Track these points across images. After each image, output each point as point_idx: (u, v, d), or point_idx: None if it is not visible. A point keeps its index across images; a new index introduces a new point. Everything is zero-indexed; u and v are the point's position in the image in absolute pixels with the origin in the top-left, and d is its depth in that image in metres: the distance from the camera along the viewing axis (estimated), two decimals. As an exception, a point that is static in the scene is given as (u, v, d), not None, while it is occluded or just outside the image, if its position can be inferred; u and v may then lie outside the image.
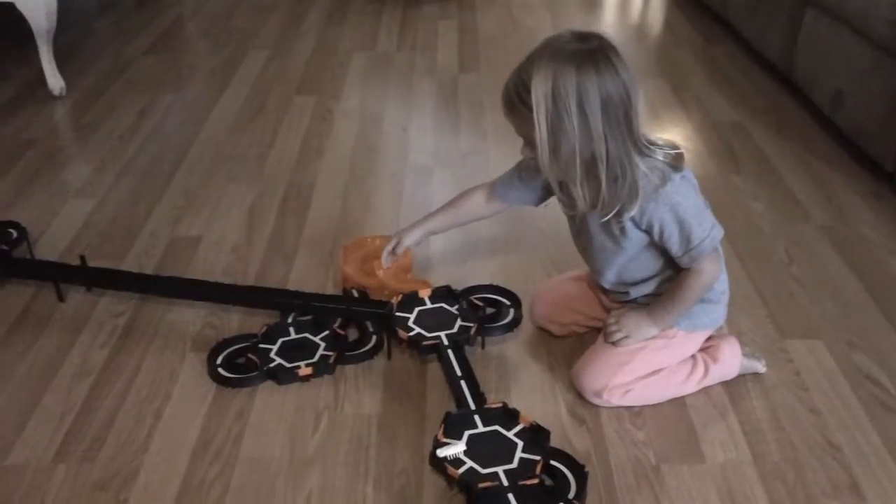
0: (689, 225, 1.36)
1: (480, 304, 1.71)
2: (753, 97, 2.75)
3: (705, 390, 1.54)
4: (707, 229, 1.38)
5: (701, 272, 1.41)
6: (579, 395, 1.52)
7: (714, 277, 1.44)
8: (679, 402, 1.52)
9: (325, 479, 1.37)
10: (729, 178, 2.26)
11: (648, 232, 1.40)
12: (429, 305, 1.68)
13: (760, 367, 1.58)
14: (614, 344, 1.48)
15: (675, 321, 1.48)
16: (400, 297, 1.68)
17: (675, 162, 1.37)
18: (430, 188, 2.23)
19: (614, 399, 1.49)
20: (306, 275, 1.88)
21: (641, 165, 1.34)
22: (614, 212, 1.36)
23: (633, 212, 1.36)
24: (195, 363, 1.61)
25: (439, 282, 1.76)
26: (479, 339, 1.63)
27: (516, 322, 1.67)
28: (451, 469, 1.32)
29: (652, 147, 1.37)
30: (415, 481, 1.37)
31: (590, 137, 1.29)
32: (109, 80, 2.91)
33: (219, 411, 1.51)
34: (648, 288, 1.50)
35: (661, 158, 1.36)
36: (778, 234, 1.99)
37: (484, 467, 1.32)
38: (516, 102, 1.33)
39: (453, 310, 1.67)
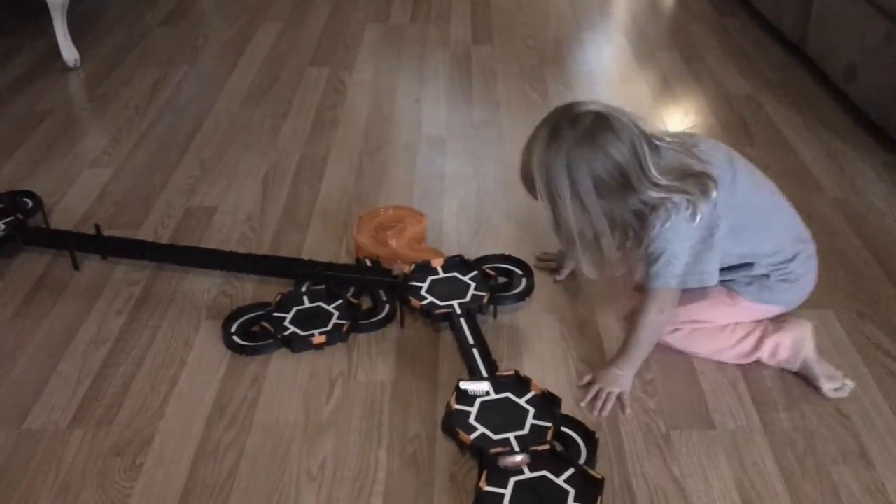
0: (670, 253, 1.40)
1: (493, 273, 1.72)
2: (766, 70, 2.74)
3: (716, 360, 1.55)
4: (678, 270, 1.41)
5: (648, 309, 1.44)
6: (588, 363, 1.53)
7: (666, 319, 1.46)
8: (690, 371, 1.53)
9: (339, 445, 1.39)
10: (742, 150, 2.21)
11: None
12: (441, 275, 1.69)
13: (827, 387, 1.48)
14: (592, 407, 1.45)
15: (634, 364, 1.48)
16: (413, 267, 1.69)
17: (693, 190, 1.38)
18: (443, 159, 2.23)
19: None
20: (320, 244, 1.89)
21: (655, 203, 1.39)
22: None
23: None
24: (210, 331, 1.63)
25: (453, 252, 1.77)
26: (492, 307, 1.64)
27: (528, 291, 1.68)
28: (462, 435, 1.33)
29: (668, 183, 1.38)
30: (427, 447, 1.38)
31: (588, 216, 1.37)
32: (124, 51, 2.92)
33: (233, 378, 1.53)
34: None
35: (674, 194, 1.38)
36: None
37: (496, 433, 1.34)
38: (528, 181, 1.45)
39: (466, 279, 1.68)
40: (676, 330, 1.53)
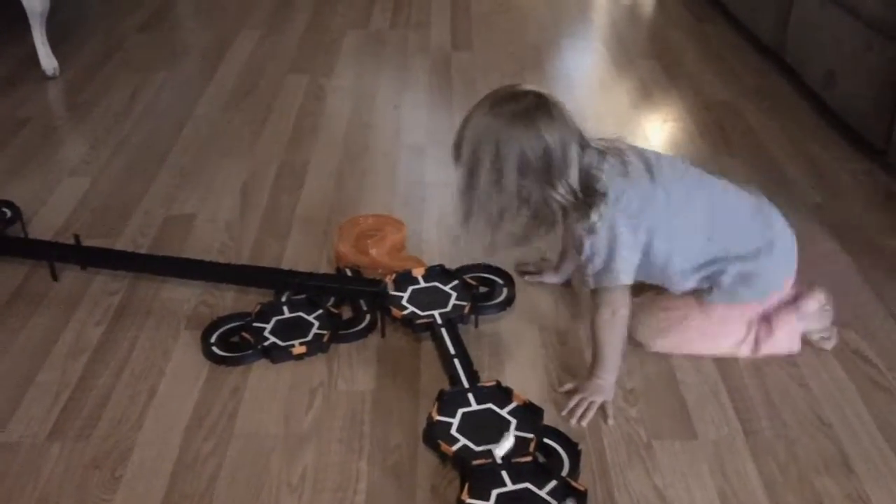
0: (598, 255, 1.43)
1: (474, 282, 1.72)
2: (745, 76, 2.75)
3: (697, 367, 1.55)
4: (599, 267, 1.43)
5: (600, 313, 1.46)
6: (571, 373, 1.54)
7: (621, 316, 1.46)
8: (671, 379, 1.53)
9: (320, 455, 1.38)
10: (720, 157, 2.26)
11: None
12: (422, 284, 1.69)
13: (829, 344, 1.60)
14: (572, 415, 1.45)
15: (610, 368, 1.48)
16: (394, 276, 1.69)
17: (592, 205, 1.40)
18: (423, 166, 2.23)
19: (662, 350, 1.57)
20: (300, 253, 1.88)
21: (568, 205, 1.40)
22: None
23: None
24: (189, 341, 1.62)
25: (433, 261, 1.77)
26: (473, 317, 1.64)
27: (509, 301, 1.68)
28: (444, 446, 1.33)
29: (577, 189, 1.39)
30: (409, 458, 1.38)
31: (502, 190, 1.37)
32: (103, 58, 2.89)
33: (213, 389, 1.52)
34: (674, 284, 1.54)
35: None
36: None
37: (477, 445, 1.33)
38: (456, 150, 1.44)
39: (447, 288, 1.68)
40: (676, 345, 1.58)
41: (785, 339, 1.58)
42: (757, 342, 1.57)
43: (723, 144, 2.34)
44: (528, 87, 1.41)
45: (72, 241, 1.82)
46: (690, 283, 1.53)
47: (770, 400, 1.49)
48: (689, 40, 3.06)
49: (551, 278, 1.76)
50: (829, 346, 1.59)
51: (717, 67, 2.82)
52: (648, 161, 1.46)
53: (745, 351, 1.57)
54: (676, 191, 1.47)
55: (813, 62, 2.47)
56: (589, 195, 1.38)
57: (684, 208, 1.47)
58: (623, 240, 1.42)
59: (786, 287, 1.58)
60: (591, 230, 1.40)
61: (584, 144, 1.39)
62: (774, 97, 2.60)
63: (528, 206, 1.40)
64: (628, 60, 2.90)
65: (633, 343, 1.56)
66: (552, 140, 1.35)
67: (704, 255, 1.49)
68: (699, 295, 1.54)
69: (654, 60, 2.88)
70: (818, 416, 1.46)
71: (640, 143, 2.32)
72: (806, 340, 1.60)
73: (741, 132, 2.40)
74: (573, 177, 1.37)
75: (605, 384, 1.47)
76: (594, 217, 1.39)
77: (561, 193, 1.37)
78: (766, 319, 1.58)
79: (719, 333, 1.57)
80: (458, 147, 1.43)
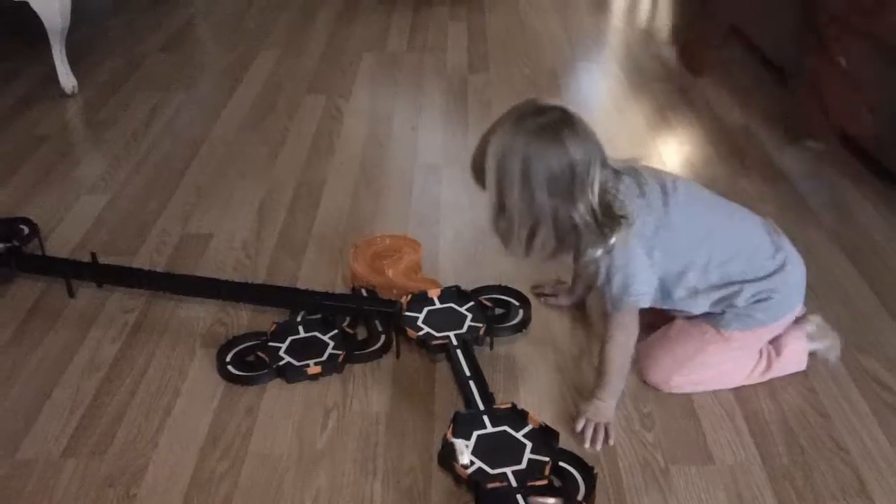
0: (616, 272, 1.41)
1: (489, 304, 1.71)
2: (761, 99, 2.75)
3: (713, 391, 1.54)
4: (617, 291, 1.41)
5: (613, 335, 1.46)
6: (586, 396, 1.53)
7: (622, 343, 1.46)
8: (687, 404, 1.52)
9: (334, 477, 1.38)
10: (737, 181, 2.26)
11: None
12: (438, 305, 1.69)
13: (833, 355, 1.61)
14: (583, 435, 1.45)
15: (615, 392, 1.48)
16: (409, 297, 1.69)
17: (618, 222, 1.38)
18: (439, 186, 2.24)
19: (678, 389, 1.54)
20: (316, 272, 1.88)
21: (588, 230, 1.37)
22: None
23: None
24: (205, 360, 1.62)
25: (448, 281, 1.77)
26: (488, 339, 1.63)
27: (525, 323, 1.67)
28: (459, 468, 1.32)
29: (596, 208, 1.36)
30: (423, 480, 1.37)
31: (532, 207, 1.34)
32: (122, 77, 2.92)
33: (228, 408, 1.51)
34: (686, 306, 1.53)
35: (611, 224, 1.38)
36: (787, 238, 1.98)
37: (493, 467, 1.33)
38: (477, 168, 1.40)
39: (462, 310, 1.67)
40: (693, 383, 1.55)
41: (794, 359, 1.57)
42: (768, 364, 1.56)
43: (739, 167, 2.33)
44: (553, 101, 1.38)
45: (88, 259, 1.83)
46: (704, 307, 1.51)
47: (787, 425, 1.48)
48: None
49: (566, 300, 1.76)
50: (833, 356, 1.60)
51: (733, 90, 2.82)
52: (664, 183, 1.46)
53: (756, 376, 1.56)
54: (691, 214, 1.46)
55: (829, 86, 2.47)
56: (608, 217, 1.37)
57: (698, 231, 1.47)
58: (639, 261, 1.41)
59: (797, 310, 1.57)
60: (608, 252, 1.39)
61: (604, 163, 1.37)
62: (791, 120, 2.59)
63: (555, 224, 1.36)
64: (644, 83, 2.90)
65: (648, 385, 1.55)
66: (577, 156, 1.32)
67: (718, 277, 1.48)
68: (714, 320, 1.53)
69: (670, 83, 2.89)
70: (836, 441, 1.45)
71: (657, 166, 2.34)
72: (812, 355, 1.60)
73: (758, 156, 2.40)
74: (594, 195, 1.35)
75: (608, 407, 1.46)
76: (612, 240, 1.37)
77: (581, 213, 1.35)
78: (773, 341, 1.57)
79: (736, 363, 1.55)
80: (478, 166, 1.40)
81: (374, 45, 3.24)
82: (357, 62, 3.07)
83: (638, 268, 1.41)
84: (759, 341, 1.55)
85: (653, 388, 1.55)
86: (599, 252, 1.38)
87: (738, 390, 1.55)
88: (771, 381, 1.56)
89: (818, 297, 1.79)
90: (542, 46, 3.24)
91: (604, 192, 1.37)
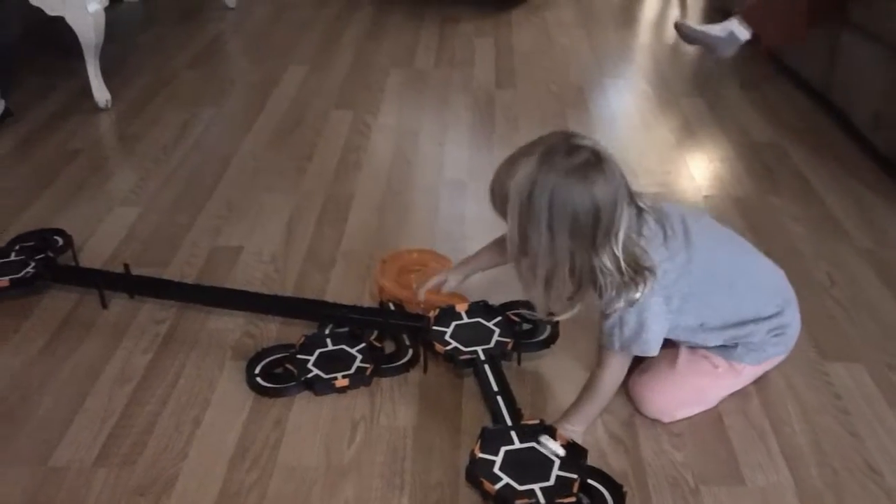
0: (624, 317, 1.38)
1: (517, 319, 1.71)
2: (791, 117, 2.74)
3: (744, 412, 1.53)
4: (629, 334, 1.39)
5: (601, 373, 1.44)
6: (615, 415, 1.52)
7: (617, 380, 1.45)
8: (718, 424, 1.51)
9: (361, 490, 1.38)
10: (767, 198, 2.25)
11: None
12: (465, 320, 1.69)
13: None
14: None
15: (587, 422, 1.46)
16: (437, 311, 1.69)
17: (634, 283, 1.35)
18: (464, 202, 2.24)
19: (678, 418, 1.52)
20: (343, 286, 1.89)
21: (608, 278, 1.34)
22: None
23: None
24: (234, 371, 1.63)
25: (473, 296, 1.77)
26: (516, 354, 1.63)
27: (553, 338, 1.67)
28: (487, 484, 1.32)
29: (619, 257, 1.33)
30: (450, 495, 1.37)
31: (553, 248, 1.31)
32: (153, 92, 2.96)
33: (256, 420, 1.52)
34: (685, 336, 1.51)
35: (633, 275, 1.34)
36: (818, 256, 1.97)
37: (521, 484, 1.32)
38: (497, 196, 1.36)
39: (490, 325, 1.68)
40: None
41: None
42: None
43: (769, 185, 2.32)
44: (584, 140, 1.33)
45: (121, 270, 1.85)
46: (717, 342, 1.50)
47: (819, 447, 1.46)
48: (733, 79, 3.05)
49: (456, 280, 1.72)
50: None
51: (762, 107, 2.81)
52: (687, 227, 1.42)
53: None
54: (712, 259, 1.43)
55: (859, 103, 2.46)
56: (633, 269, 1.33)
57: (718, 274, 1.44)
58: (655, 310, 1.38)
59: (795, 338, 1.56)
60: (630, 306, 1.36)
61: (630, 203, 1.34)
62: (821, 138, 2.58)
63: (573, 268, 1.34)
64: (672, 99, 2.90)
65: (651, 418, 1.53)
66: (603, 202, 1.28)
67: (736, 316, 1.47)
68: (726, 354, 1.50)
69: (699, 99, 2.88)
70: (868, 463, 1.43)
71: (686, 183, 2.34)
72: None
73: (788, 173, 2.39)
74: (618, 245, 1.31)
75: (576, 434, 1.43)
76: (638, 294, 1.34)
77: (602, 261, 1.31)
78: None
79: (731, 389, 1.55)
80: (498, 194, 1.36)
81: (401, 62, 3.26)
82: (384, 78, 3.09)
83: (653, 316, 1.38)
84: (763, 371, 1.55)
85: (622, 419, 1.52)
86: (622, 304, 1.35)
87: (769, 411, 1.54)
88: (804, 402, 1.55)
89: (849, 316, 1.78)
90: (568, 62, 3.25)
91: (628, 239, 1.33)
